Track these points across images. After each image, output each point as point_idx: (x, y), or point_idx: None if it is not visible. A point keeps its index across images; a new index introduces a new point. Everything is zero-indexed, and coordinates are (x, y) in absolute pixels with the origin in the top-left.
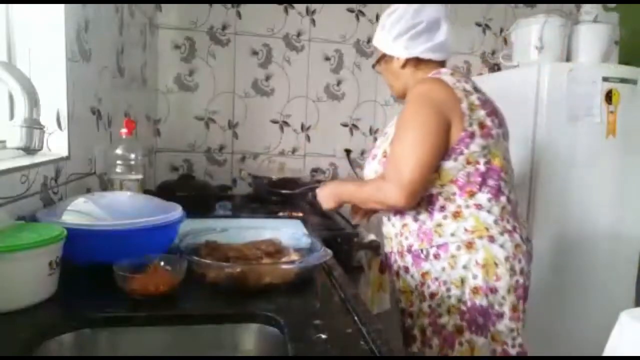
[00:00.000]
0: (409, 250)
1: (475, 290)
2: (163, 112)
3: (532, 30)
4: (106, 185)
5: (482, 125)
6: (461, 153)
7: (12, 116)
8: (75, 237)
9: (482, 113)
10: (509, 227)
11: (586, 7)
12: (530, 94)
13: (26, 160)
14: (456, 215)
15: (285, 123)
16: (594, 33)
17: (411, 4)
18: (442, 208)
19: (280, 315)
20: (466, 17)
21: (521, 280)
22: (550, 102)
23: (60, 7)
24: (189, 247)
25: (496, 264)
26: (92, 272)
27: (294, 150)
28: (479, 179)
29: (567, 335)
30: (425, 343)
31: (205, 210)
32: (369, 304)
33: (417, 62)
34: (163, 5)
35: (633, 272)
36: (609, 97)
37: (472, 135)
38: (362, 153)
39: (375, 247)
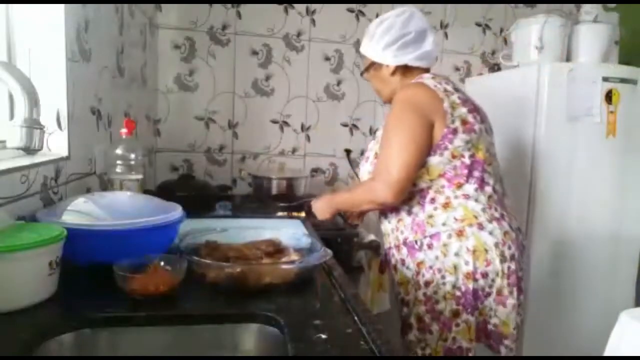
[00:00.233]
0: (405, 243)
1: (468, 276)
2: (163, 112)
3: (532, 30)
4: (106, 185)
5: (464, 122)
6: (446, 148)
7: (12, 116)
8: (75, 237)
9: (463, 110)
10: (496, 214)
11: (586, 7)
12: (530, 94)
13: (26, 160)
14: (446, 206)
15: (285, 123)
16: (594, 33)
17: (400, 14)
18: (433, 200)
19: (280, 315)
20: (466, 17)
21: (512, 267)
22: (550, 102)
23: (60, 7)
24: (189, 247)
25: (486, 250)
26: (92, 272)
27: (294, 150)
28: (465, 171)
29: (568, 335)
30: (425, 330)
31: (205, 210)
32: (369, 304)
33: (405, 69)
34: (163, 5)
35: (633, 272)
36: (609, 97)
37: (454, 132)
38: (362, 153)
39: (375, 247)
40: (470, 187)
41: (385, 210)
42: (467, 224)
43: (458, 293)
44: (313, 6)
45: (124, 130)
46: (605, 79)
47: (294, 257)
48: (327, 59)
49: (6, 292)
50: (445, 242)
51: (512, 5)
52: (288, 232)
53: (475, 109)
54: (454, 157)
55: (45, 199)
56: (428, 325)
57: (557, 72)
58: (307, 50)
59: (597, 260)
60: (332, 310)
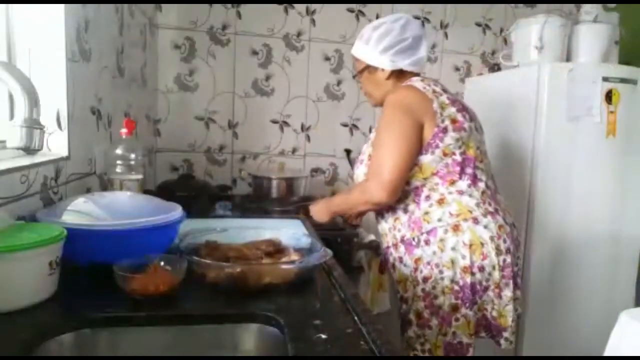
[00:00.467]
0: (402, 241)
1: (465, 270)
2: (163, 112)
3: (532, 30)
4: (106, 185)
5: (453, 121)
6: (437, 147)
7: (12, 116)
8: (75, 237)
9: (452, 110)
10: (490, 209)
11: (586, 7)
12: (531, 94)
13: (26, 160)
14: (441, 202)
15: (285, 123)
16: (594, 33)
17: (397, 20)
18: (428, 197)
19: (280, 315)
20: (466, 17)
21: (508, 260)
22: (550, 102)
23: (60, 7)
24: (189, 247)
25: (482, 244)
26: (92, 272)
27: (294, 150)
28: (458, 168)
29: (568, 335)
30: (424, 325)
31: (205, 210)
32: (369, 304)
33: (399, 73)
34: (163, 5)
35: (633, 272)
36: (609, 97)
37: (445, 130)
38: None
39: (375, 247)
40: (463, 184)
41: (382, 210)
42: (462, 218)
43: (456, 287)
44: (313, 6)
45: (124, 130)
46: (605, 79)
47: (294, 257)
48: (327, 59)
49: (6, 292)
50: (442, 237)
51: (512, 5)
52: (288, 232)
53: (464, 109)
54: (445, 155)
55: (45, 199)
56: (427, 320)
57: (557, 72)
58: (307, 50)
59: (597, 261)
60: (332, 310)
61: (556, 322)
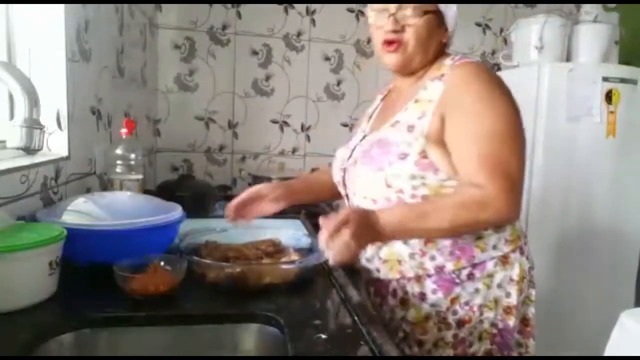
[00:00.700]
0: (438, 272)
1: (508, 310)
2: (163, 112)
3: (532, 30)
4: (106, 185)
5: None
6: None
7: (12, 116)
8: (75, 237)
9: None
10: (524, 233)
11: (586, 7)
12: (530, 94)
13: (26, 160)
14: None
15: (285, 123)
16: (594, 33)
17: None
18: None
19: (280, 315)
20: (466, 17)
21: (533, 292)
22: (550, 102)
23: (60, 7)
24: (189, 247)
25: (523, 278)
26: (92, 272)
27: (294, 150)
28: None
29: (567, 335)
30: None
31: (205, 210)
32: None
33: (442, 47)
34: (163, 5)
35: (633, 272)
36: (609, 97)
37: None
38: None
39: None
40: None
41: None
42: (512, 248)
43: (494, 330)
44: (313, 6)
45: (124, 130)
46: (605, 79)
47: (294, 257)
48: (327, 59)
49: (6, 292)
50: (491, 271)
51: (512, 5)
52: (288, 232)
53: None
54: None
55: (45, 199)
56: None
57: (557, 72)
58: (307, 50)
59: (597, 260)
60: (332, 310)
61: (556, 322)
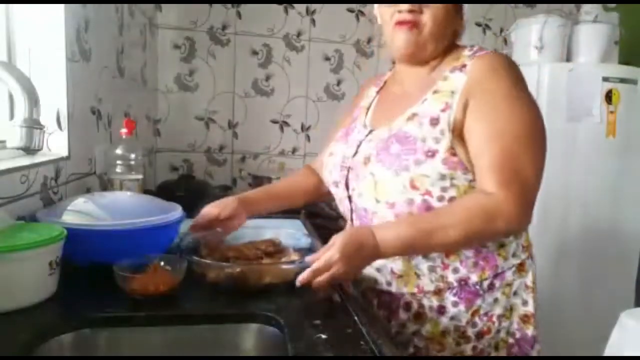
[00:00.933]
0: (462, 285)
1: (525, 319)
2: (163, 112)
3: (532, 30)
4: (106, 185)
5: None
6: None
7: (12, 116)
8: (75, 237)
9: None
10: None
11: (586, 7)
12: None
13: (26, 160)
14: None
15: (285, 123)
16: (594, 33)
17: None
18: None
19: (280, 315)
20: (466, 17)
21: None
22: (550, 102)
23: (60, 7)
24: (189, 247)
25: (534, 283)
26: (92, 272)
27: (294, 150)
28: None
29: (567, 335)
30: None
31: None
32: None
33: (453, 39)
34: (163, 5)
35: (633, 272)
36: (609, 97)
37: None
38: None
39: None
40: None
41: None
42: (528, 254)
43: (511, 340)
44: (313, 6)
45: (124, 130)
46: (605, 79)
47: (294, 257)
48: (327, 59)
49: (6, 292)
50: (510, 280)
51: (512, 5)
52: (288, 232)
53: None
54: None
55: (45, 199)
56: None
57: (557, 72)
58: (307, 50)
59: (596, 261)
60: (332, 310)
61: (556, 322)
